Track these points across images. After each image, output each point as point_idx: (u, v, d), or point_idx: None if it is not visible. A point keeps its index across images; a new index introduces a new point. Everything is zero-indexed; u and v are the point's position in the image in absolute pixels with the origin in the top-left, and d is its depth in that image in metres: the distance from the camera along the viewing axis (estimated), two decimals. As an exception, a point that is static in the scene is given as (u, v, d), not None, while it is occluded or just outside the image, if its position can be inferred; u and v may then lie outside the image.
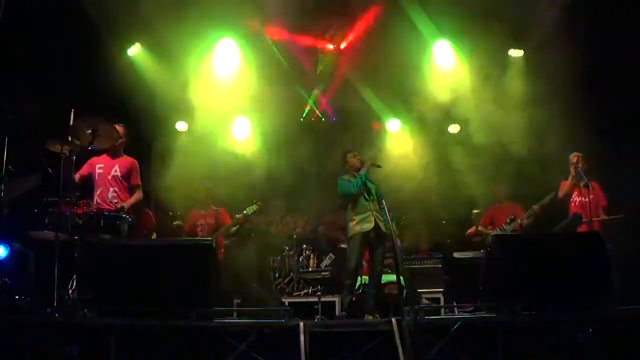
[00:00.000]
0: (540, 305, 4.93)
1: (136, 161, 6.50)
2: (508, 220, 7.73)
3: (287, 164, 9.39)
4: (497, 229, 7.80)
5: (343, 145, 8.40)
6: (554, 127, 7.70)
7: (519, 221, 7.65)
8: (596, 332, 4.87)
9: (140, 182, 6.44)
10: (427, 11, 8.38)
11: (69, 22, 7.24)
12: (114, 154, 6.40)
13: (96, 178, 6.31)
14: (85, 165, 6.36)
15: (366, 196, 6.58)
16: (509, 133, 8.24)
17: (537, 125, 8.11)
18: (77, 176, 6.20)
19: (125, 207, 6.05)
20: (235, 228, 8.08)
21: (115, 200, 6.16)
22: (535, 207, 7.57)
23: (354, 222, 6.52)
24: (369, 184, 6.67)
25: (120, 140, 6.37)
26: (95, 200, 6.17)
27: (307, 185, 9.87)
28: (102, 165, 6.36)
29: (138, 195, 6.38)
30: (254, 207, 8.15)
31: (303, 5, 7.86)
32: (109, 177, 6.28)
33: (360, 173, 6.65)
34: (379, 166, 6.84)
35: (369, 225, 6.44)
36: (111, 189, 6.24)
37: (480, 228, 8.14)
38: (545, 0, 8.34)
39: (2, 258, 6.00)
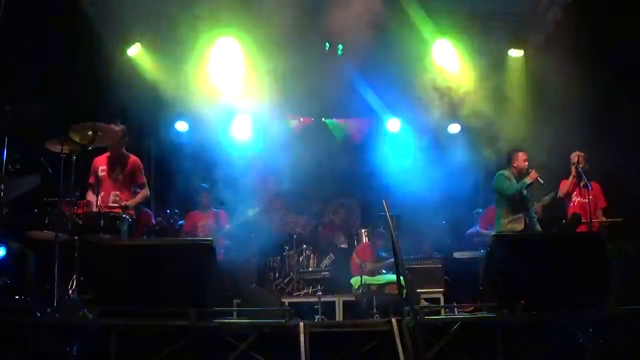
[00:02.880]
0: (540, 305, 4.93)
1: (138, 159, 6.48)
2: None
3: (287, 164, 9.39)
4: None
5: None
6: (555, 127, 7.69)
7: None
8: (596, 332, 4.87)
9: (145, 180, 6.43)
10: (428, 11, 8.37)
11: (69, 22, 7.24)
12: (115, 154, 6.37)
13: (99, 180, 6.31)
14: (91, 174, 6.37)
15: (522, 197, 6.78)
16: (509, 133, 8.24)
17: (538, 125, 8.11)
18: (91, 184, 6.26)
19: (129, 205, 6.06)
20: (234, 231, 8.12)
21: (118, 199, 6.15)
22: (533, 208, 7.58)
23: (507, 221, 6.72)
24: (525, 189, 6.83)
25: (120, 140, 6.35)
26: (97, 203, 6.14)
27: (307, 185, 9.87)
28: (104, 168, 6.33)
29: (144, 193, 6.37)
30: (255, 209, 8.17)
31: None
32: (111, 181, 6.27)
33: (525, 181, 6.79)
34: (543, 184, 6.91)
35: (519, 226, 6.66)
36: (112, 193, 6.22)
37: (479, 229, 8.15)
38: (545, 0, 8.35)
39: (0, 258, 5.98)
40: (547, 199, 7.55)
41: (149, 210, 8.11)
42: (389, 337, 4.75)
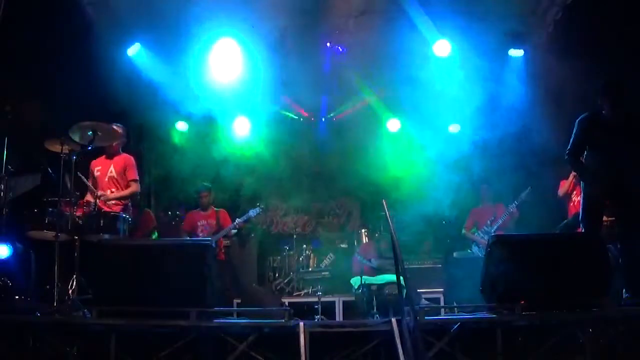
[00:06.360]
0: (540, 305, 4.93)
1: (131, 157, 6.52)
2: (488, 222, 7.81)
3: (288, 164, 9.39)
4: (479, 231, 7.90)
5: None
6: (555, 126, 7.69)
7: (500, 221, 7.73)
8: (596, 332, 4.86)
9: (136, 177, 6.44)
10: (428, 10, 8.37)
11: (69, 22, 7.24)
12: (110, 154, 6.43)
13: (96, 181, 6.36)
14: (89, 176, 6.41)
15: None
16: (507, 133, 8.25)
17: (537, 125, 8.11)
18: (89, 186, 6.27)
19: (105, 195, 6.08)
20: (235, 231, 8.12)
21: (103, 195, 6.17)
22: (512, 205, 7.68)
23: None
24: None
25: (118, 140, 6.38)
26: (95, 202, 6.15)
27: (307, 185, 9.88)
28: (99, 168, 6.42)
29: (133, 188, 6.38)
30: (257, 209, 8.17)
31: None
32: (106, 179, 6.34)
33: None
34: None
35: None
36: (108, 191, 6.27)
37: (464, 232, 8.19)
38: (545, 0, 8.34)
39: (5, 257, 5.97)
40: (522, 195, 7.61)
41: (151, 212, 8.12)
42: (389, 337, 4.75)
